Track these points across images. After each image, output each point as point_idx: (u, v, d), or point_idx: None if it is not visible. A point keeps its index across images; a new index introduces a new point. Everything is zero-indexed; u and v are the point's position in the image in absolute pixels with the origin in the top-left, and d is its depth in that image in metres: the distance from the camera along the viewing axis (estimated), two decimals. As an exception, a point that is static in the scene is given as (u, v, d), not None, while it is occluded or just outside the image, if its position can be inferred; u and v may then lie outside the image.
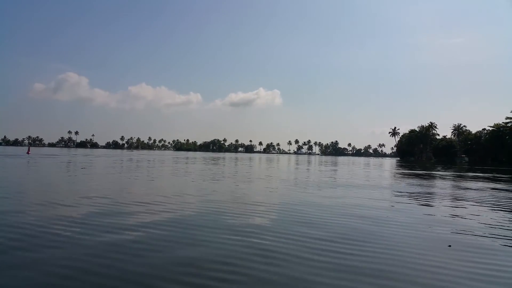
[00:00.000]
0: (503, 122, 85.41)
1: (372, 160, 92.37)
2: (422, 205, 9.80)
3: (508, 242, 5.64)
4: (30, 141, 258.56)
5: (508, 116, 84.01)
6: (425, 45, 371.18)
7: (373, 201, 10.17)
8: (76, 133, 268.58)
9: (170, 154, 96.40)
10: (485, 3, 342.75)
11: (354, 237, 5.59)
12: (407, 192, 12.74)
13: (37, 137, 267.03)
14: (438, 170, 34.23)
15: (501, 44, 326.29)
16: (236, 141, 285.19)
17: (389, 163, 61.81)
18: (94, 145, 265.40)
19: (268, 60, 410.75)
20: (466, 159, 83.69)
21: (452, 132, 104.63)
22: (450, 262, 4.44)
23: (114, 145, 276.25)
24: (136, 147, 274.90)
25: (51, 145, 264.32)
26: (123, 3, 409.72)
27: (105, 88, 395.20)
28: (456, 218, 7.80)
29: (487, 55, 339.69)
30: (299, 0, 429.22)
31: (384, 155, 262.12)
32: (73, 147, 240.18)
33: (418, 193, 12.67)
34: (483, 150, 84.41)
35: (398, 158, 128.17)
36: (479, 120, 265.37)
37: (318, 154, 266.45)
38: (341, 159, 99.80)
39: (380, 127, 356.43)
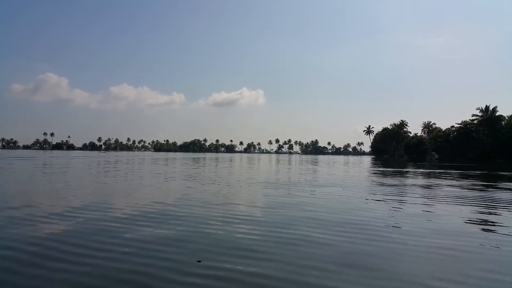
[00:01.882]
0: (470, 119, 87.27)
1: (347, 158, 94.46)
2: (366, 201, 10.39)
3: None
4: (4, 144, 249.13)
5: (474, 113, 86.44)
6: (405, 44, 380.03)
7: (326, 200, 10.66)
8: (52, 134, 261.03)
9: (147, 155, 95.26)
10: (463, 4, 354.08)
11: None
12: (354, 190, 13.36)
13: (11, 139, 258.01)
14: (391, 167, 35.48)
15: (476, 44, 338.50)
16: (217, 141, 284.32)
17: (360, 161, 63.47)
18: (70, 147, 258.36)
19: (252, 60, 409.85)
20: (436, 156, 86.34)
21: (422, 129, 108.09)
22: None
23: (91, 147, 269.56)
24: (114, 148, 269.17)
25: (25, 147, 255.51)
26: (104, 3, 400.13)
27: (86, 89, 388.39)
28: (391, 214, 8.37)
29: (464, 54, 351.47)
30: (282, 0, 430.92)
31: (362, 153, 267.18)
32: (48, 149, 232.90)
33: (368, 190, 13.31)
34: (452, 147, 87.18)
35: (373, 156, 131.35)
36: (457, 118, 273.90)
37: (298, 153, 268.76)
38: (320, 157, 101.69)
39: (362, 125, 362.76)
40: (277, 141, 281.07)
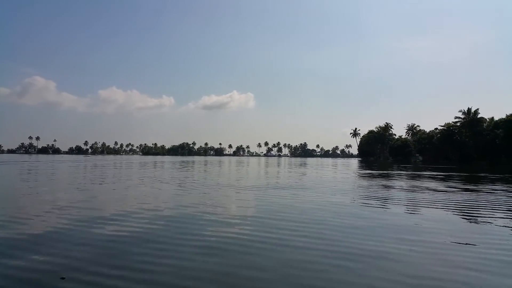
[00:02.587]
0: (453, 122, 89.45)
1: (334, 161, 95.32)
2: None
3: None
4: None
5: (457, 115, 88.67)
6: (392, 47, 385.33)
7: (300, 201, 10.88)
8: (37, 138, 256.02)
9: (133, 159, 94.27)
10: (448, 8, 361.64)
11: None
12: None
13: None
14: (375, 169, 36.13)
15: (461, 47, 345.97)
16: (206, 144, 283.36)
17: (344, 164, 64.20)
18: (56, 151, 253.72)
19: (243, 63, 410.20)
20: (420, 158, 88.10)
21: (406, 132, 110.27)
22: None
23: (77, 151, 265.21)
24: (101, 152, 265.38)
25: (10, 151, 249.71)
26: (93, 6, 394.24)
27: (74, 92, 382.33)
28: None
29: (448, 58, 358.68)
30: (271, 4, 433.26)
31: (351, 155, 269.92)
32: (34, 153, 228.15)
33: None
34: (435, 149, 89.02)
35: (360, 158, 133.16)
36: (442, 121, 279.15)
37: (287, 156, 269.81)
38: (309, 160, 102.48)
39: (350, 128, 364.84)
40: (266, 144, 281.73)
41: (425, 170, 34.91)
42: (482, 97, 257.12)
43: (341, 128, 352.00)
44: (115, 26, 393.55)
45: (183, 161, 65.39)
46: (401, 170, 35.93)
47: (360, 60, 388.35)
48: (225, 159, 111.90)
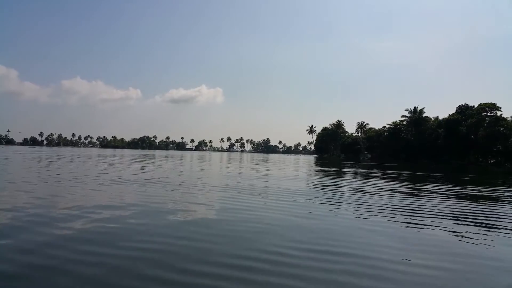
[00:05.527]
0: (399, 120, 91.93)
1: (290, 157, 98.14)
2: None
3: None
4: None
5: (403, 114, 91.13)
6: (356, 46, 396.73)
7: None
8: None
9: (89, 151, 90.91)
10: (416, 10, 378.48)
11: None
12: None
13: None
14: (324, 166, 38.24)
15: (425, 50, 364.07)
16: (167, 138, 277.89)
17: (296, 160, 66.58)
18: (10, 142, 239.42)
19: (213, 58, 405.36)
20: (369, 155, 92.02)
21: (356, 129, 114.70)
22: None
23: (32, 142, 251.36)
24: (57, 144, 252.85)
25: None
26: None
27: (36, 82, 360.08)
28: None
29: (412, 59, 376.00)
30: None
31: (313, 152, 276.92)
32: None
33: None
34: (383, 147, 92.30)
35: (316, 155, 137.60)
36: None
37: (250, 152, 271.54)
38: (271, 156, 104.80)
39: (317, 125, 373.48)
40: (228, 139, 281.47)
41: (369, 168, 37.45)
42: (443, 98, 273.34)
43: (304, 125, 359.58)
44: (81, 14, 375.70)
45: (144, 155, 64.31)
46: (335, 167, 38.23)
47: (325, 58, 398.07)
48: (186, 153, 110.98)
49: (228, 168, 30.67)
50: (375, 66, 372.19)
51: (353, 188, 15.14)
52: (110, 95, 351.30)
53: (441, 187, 16.60)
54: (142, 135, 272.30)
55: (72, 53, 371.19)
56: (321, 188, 14.79)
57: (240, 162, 46.15)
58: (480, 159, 78.46)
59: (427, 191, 14.81)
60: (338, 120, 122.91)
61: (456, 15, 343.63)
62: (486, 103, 75.46)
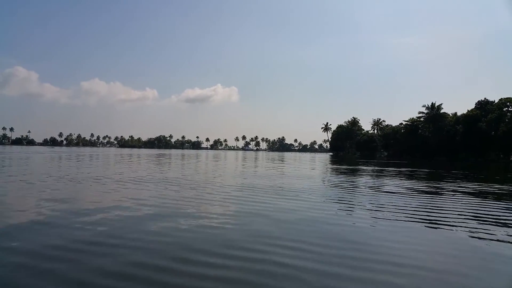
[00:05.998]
0: (417, 117, 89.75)
1: (305, 155, 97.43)
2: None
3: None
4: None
5: (420, 110, 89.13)
6: (378, 43, 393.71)
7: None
8: (11, 129, 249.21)
9: (108, 151, 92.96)
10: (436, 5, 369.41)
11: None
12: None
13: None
14: (338, 164, 37.76)
15: (445, 44, 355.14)
16: (183, 137, 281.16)
17: (311, 158, 66.06)
18: (30, 142, 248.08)
19: (228, 57, 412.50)
20: (385, 153, 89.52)
21: (372, 127, 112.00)
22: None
23: (52, 142, 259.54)
24: (77, 144, 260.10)
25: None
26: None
27: (56, 83, 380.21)
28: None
29: (432, 55, 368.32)
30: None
31: (328, 150, 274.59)
32: (8, 144, 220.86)
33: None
34: (400, 144, 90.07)
35: (331, 153, 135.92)
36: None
37: (265, 150, 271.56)
38: (286, 154, 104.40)
39: (333, 122, 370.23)
40: (243, 137, 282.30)
41: (384, 166, 36.79)
42: (462, 94, 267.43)
43: (321, 122, 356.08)
44: (98, 16, 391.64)
45: (161, 154, 65.20)
46: (349, 165, 37.68)
47: (345, 56, 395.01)
48: (202, 152, 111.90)
49: (243, 166, 30.74)
50: (391, 63, 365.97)
51: (369, 187, 14.87)
52: (127, 96, 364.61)
53: (468, 185, 16.15)
54: (158, 135, 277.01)
55: (89, 54, 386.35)
56: (336, 187, 14.59)
57: (256, 160, 46.25)
58: (501, 155, 75.85)
59: (448, 190, 14.40)
60: (353, 117, 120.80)
61: (475, 9, 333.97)
62: (508, 98, 72.69)
